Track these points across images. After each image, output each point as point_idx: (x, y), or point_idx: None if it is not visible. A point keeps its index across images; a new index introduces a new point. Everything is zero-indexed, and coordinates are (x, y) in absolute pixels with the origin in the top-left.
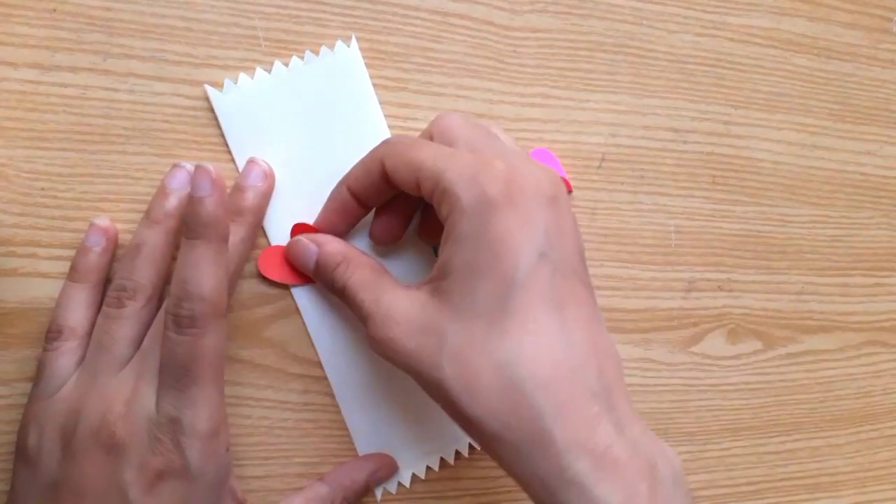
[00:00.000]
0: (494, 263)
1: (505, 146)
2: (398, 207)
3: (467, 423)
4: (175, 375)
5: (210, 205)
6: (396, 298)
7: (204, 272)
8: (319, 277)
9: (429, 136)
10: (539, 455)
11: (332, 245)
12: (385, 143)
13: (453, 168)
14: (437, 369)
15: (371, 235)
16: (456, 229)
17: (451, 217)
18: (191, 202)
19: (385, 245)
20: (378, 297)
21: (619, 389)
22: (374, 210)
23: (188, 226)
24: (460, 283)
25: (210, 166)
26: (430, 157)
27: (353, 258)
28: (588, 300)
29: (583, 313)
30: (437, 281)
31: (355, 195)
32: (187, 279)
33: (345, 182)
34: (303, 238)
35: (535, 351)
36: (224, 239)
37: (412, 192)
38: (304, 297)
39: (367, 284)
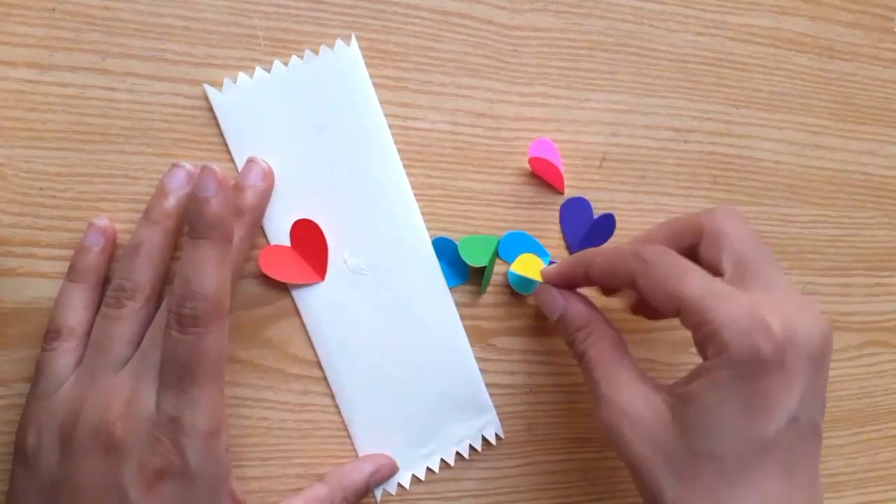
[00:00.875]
0: (746, 417)
1: (779, 278)
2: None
3: None
4: (176, 375)
5: (215, 205)
6: (633, 393)
7: (208, 272)
8: (561, 332)
9: (694, 229)
10: None
11: (579, 306)
12: (640, 258)
13: (725, 313)
14: (657, 483)
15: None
16: (718, 374)
17: (715, 361)
18: (196, 202)
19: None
20: (614, 382)
21: None
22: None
23: (193, 225)
24: (704, 419)
25: (216, 167)
26: (697, 293)
27: (597, 325)
28: (817, 458)
29: (809, 474)
30: (679, 401)
31: (591, 280)
32: (191, 278)
33: (585, 264)
34: (553, 289)
35: None
36: (228, 239)
37: (663, 312)
38: (304, 298)
39: (606, 362)
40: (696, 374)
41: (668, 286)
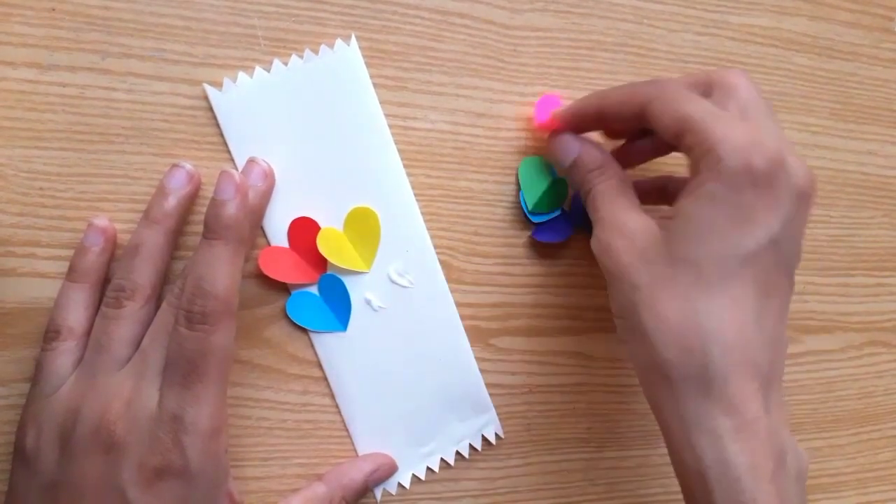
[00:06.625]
0: (730, 230)
1: (776, 128)
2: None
3: (640, 344)
4: (182, 371)
5: (232, 208)
6: (630, 216)
7: (220, 271)
8: (572, 175)
9: (705, 82)
10: (692, 398)
11: (594, 150)
12: (654, 84)
13: (725, 131)
14: (636, 290)
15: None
16: (708, 187)
17: (707, 174)
18: (213, 204)
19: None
20: (614, 207)
21: (779, 381)
22: None
23: (208, 226)
24: (690, 232)
25: (234, 172)
26: (700, 113)
27: (610, 167)
28: (788, 296)
29: (779, 305)
30: (668, 219)
31: (602, 115)
32: (203, 276)
33: (599, 100)
34: (569, 135)
35: (729, 317)
36: (242, 242)
37: (666, 137)
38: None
39: (610, 194)
40: (688, 190)
41: (677, 107)
